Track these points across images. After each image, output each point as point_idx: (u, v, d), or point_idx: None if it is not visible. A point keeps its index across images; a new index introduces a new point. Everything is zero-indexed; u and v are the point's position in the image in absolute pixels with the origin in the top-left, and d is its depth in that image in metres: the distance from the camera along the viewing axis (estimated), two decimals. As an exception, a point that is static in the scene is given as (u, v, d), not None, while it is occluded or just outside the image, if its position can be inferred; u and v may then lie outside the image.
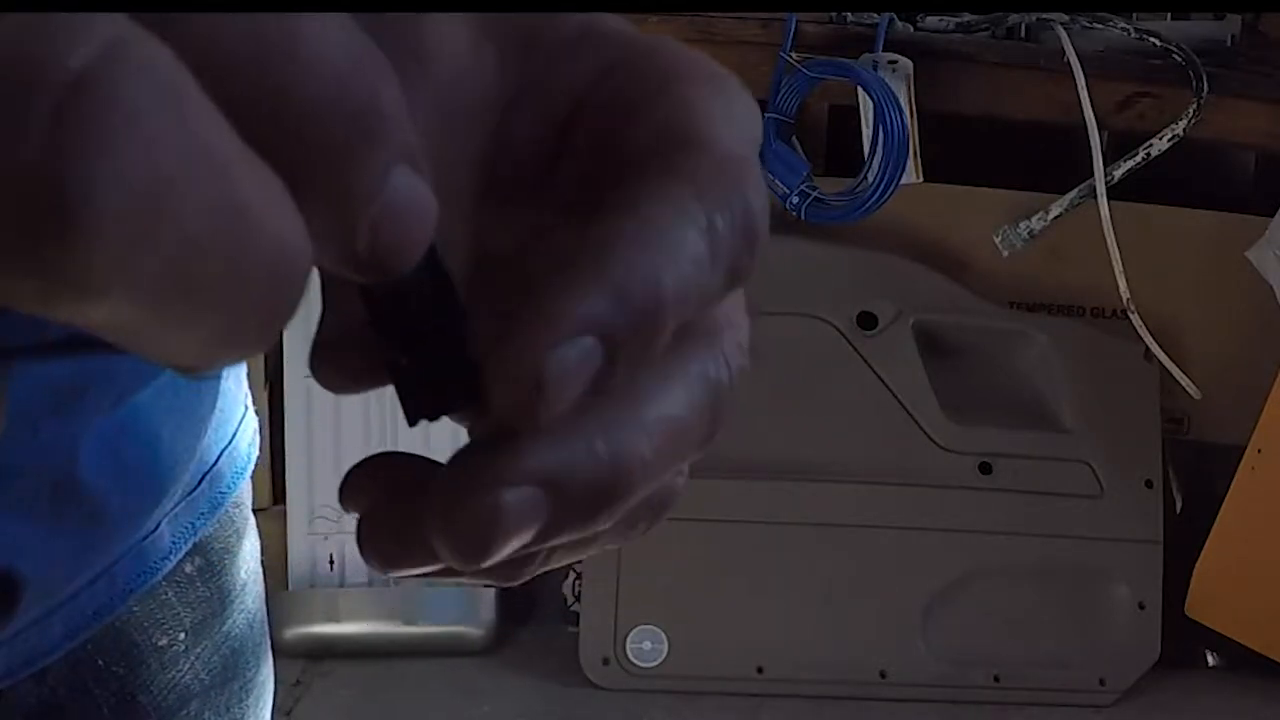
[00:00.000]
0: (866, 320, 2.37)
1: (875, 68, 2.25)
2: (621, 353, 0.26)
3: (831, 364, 2.34)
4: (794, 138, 2.34)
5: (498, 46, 0.31)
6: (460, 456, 0.27)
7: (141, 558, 0.54)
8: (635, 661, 2.33)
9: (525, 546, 0.26)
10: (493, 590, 2.43)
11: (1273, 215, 2.26)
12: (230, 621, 0.62)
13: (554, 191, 0.31)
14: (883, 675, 2.33)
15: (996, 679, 2.33)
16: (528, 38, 0.31)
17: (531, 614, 2.51)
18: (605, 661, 2.33)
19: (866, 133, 2.26)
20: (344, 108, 0.23)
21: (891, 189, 2.21)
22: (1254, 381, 2.28)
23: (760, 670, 2.33)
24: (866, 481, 2.34)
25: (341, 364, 0.30)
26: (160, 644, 0.57)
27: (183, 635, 0.58)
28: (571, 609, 2.45)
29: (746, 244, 0.29)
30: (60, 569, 0.50)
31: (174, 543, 0.56)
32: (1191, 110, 2.24)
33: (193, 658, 0.59)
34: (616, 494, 0.27)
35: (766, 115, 2.32)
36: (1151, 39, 2.27)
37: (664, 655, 2.33)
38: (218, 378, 0.57)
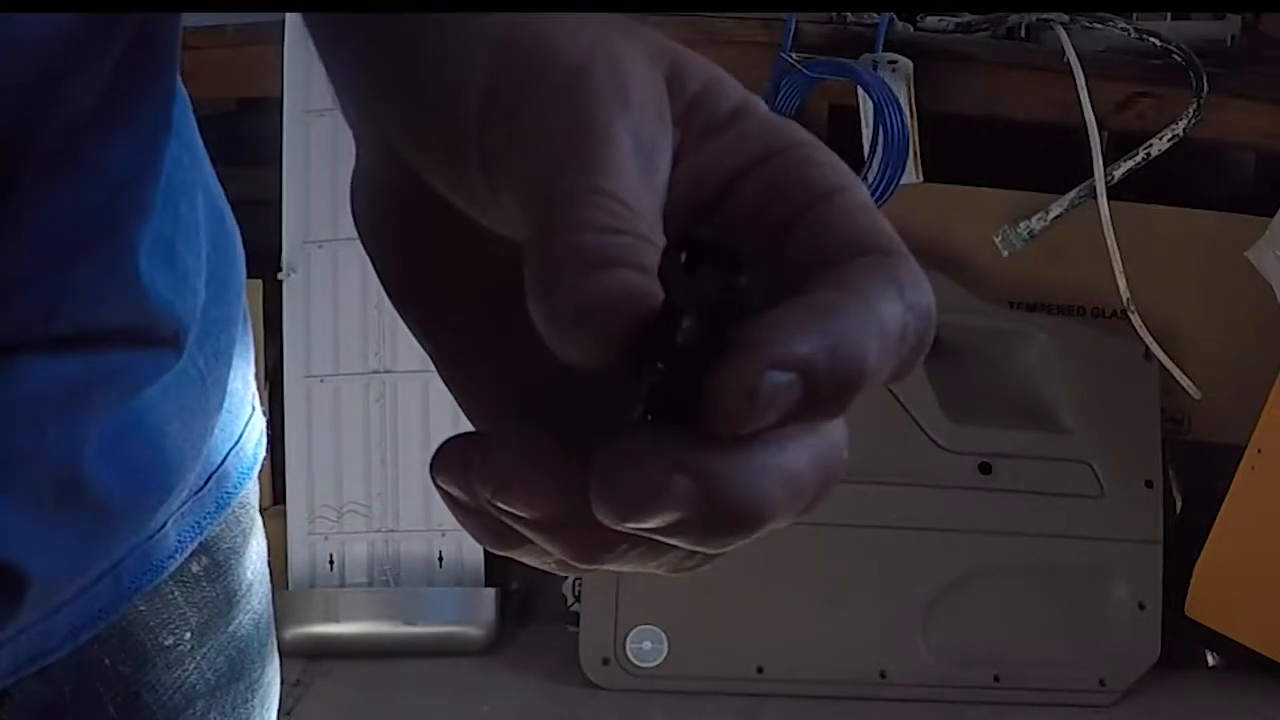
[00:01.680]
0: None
1: (875, 68, 2.25)
2: (818, 397, 0.31)
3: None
4: (794, 138, 2.34)
5: (670, 103, 0.35)
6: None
7: (147, 556, 0.55)
8: (635, 661, 2.33)
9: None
10: (493, 590, 2.43)
11: (1273, 215, 2.26)
12: (236, 622, 0.62)
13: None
14: (883, 675, 2.33)
15: (996, 679, 2.33)
16: (691, 103, 0.36)
17: (531, 614, 2.51)
18: (605, 661, 2.33)
19: (866, 133, 2.27)
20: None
21: (891, 189, 2.21)
22: (1254, 381, 2.28)
23: (760, 670, 2.33)
24: (866, 481, 2.34)
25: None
26: (166, 643, 0.58)
27: (188, 635, 0.59)
28: (571, 609, 2.45)
29: (926, 339, 0.34)
30: (65, 566, 0.50)
31: (180, 542, 0.56)
32: (1191, 110, 2.24)
33: (198, 657, 0.59)
34: (853, 386, 0.31)
35: (766, 115, 2.32)
36: (1151, 39, 2.27)
37: (664, 655, 2.33)
38: (225, 377, 0.57)
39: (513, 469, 0.32)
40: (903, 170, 2.20)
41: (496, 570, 2.46)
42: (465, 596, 2.42)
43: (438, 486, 0.34)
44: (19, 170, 0.43)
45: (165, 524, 0.55)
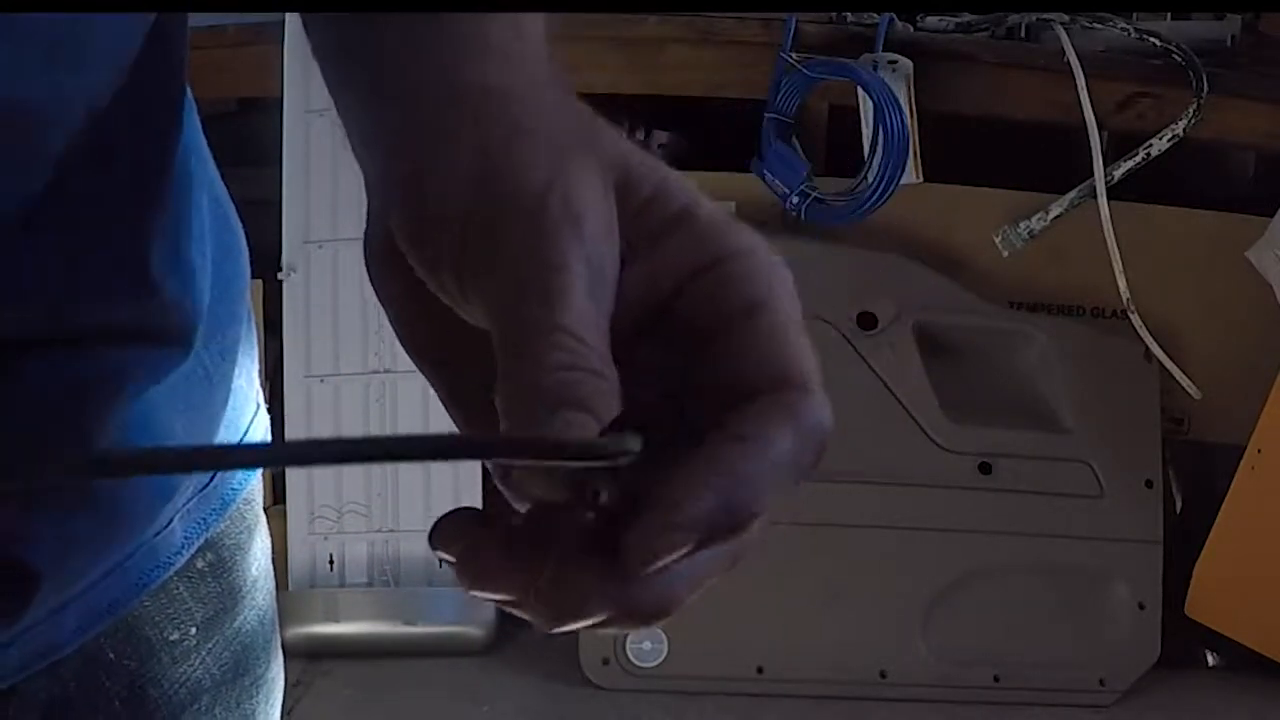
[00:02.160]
0: (866, 320, 2.37)
1: (875, 68, 2.25)
2: (715, 539, 0.38)
3: (831, 364, 2.33)
4: (794, 138, 2.34)
5: (618, 208, 0.41)
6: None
7: (154, 553, 0.55)
8: (635, 661, 2.33)
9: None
10: (493, 590, 2.42)
11: (1273, 215, 2.26)
12: (241, 618, 0.62)
13: (646, 349, 0.41)
14: (883, 675, 2.33)
15: (996, 679, 2.33)
16: (640, 209, 0.41)
17: (531, 614, 2.51)
18: (605, 661, 2.33)
19: (866, 133, 2.26)
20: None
21: (891, 189, 2.21)
22: (1254, 381, 2.28)
23: (760, 670, 2.33)
24: (866, 481, 2.34)
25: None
26: (172, 638, 0.58)
27: (194, 630, 0.59)
28: (571, 609, 2.45)
29: (819, 458, 0.40)
30: (73, 562, 0.51)
31: (185, 538, 0.57)
32: (1191, 110, 2.24)
33: (204, 653, 0.60)
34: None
35: (767, 115, 2.32)
36: (1151, 39, 2.27)
37: (664, 655, 2.33)
38: (230, 374, 0.58)
39: (482, 571, 0.39)
40: (903, 170, 2.20)
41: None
42: (465, 596, 2.41)
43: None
44: (39, 168, 0.44)
45: (171, 521, 0.56)
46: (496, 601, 0.40)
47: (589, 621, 0.39)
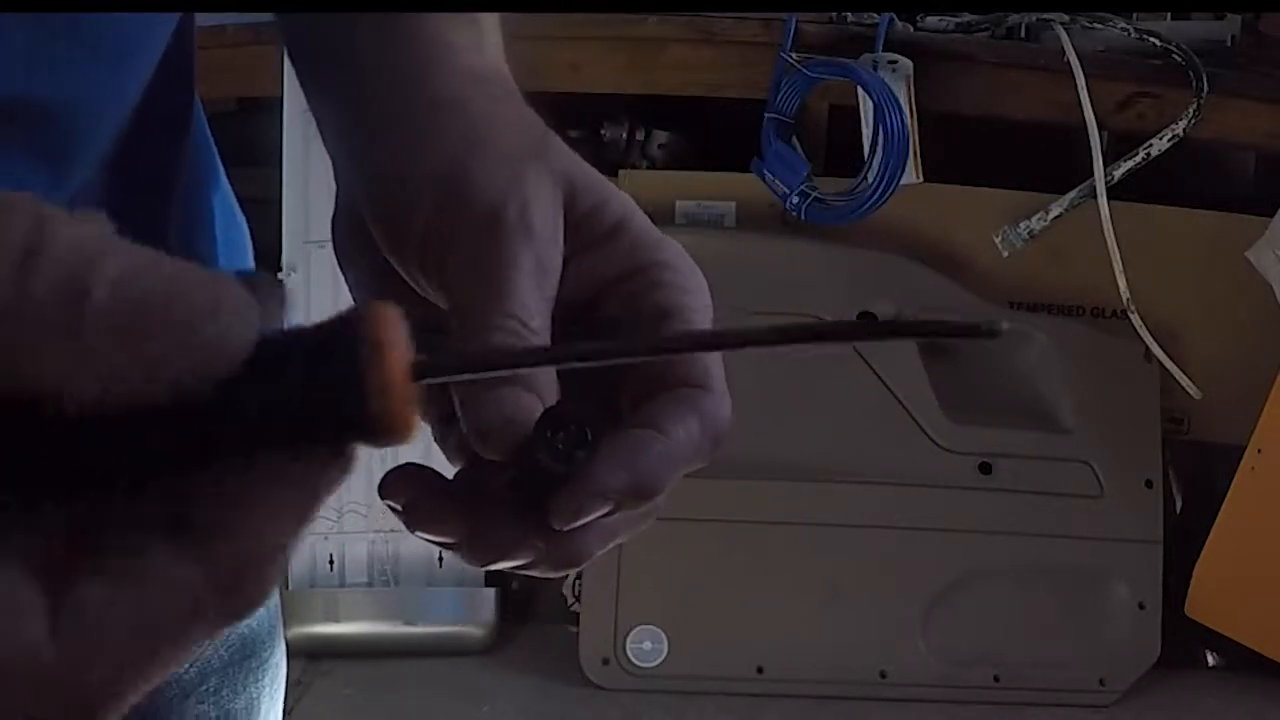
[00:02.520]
0: (866, 320, 2.36)
1: (875, 68, 2.25)
2: (627, 506, 0.43)
3: (831, 364, 2.34)
4: (794, 138, 2.34)
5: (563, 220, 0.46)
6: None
7: None
8: (635, 661, 2.33)
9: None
10: (493, 590, 2.43)
11: (1273, 215, 2.26)
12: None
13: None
14: (883, 675, 2.33)
15: (996, 679, 2.33)
16: (580, 220, 0.46)
17: (531, 614, 2.51)
18: (605, 661, 2.33)
19: (866, 133, 2.26)
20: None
21: (891, 189, 2.21)
22: (1254, 381, 2.28)
23: (760, 670, 2.33)
24: (866, 481, 2.34)
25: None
26: None
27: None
28: (571, 609, 2.45)
29: (717, 446, 0.45)
30: None
31: None
32: (1191, 110, 2.24)
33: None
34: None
35: (767, 115, 2.32)
36: (1151, 39, 2.27)
37: (664, 655, 2.33)
38: None
39: (428, 516, 0.44)
40: (903, 170, 2.20)
41: (497, 570, 2.46)
42: (465, 596, 2.42)
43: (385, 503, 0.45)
44: (80, 167, 0.48)
45: None
46: (437, 543, 0.45)
47: (515, 563, 0.45)
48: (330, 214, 0.52)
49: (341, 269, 0.52)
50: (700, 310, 0.46)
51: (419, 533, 0.44)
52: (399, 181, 0.46)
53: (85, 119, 0.46)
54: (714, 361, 0.45)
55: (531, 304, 0.44)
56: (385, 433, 0.31)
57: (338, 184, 0.50)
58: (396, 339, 0.30)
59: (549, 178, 0.46)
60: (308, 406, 0.29)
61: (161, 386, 0.27)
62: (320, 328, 0.30)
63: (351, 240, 0.50)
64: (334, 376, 0.29)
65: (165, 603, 0.28)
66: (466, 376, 0.40)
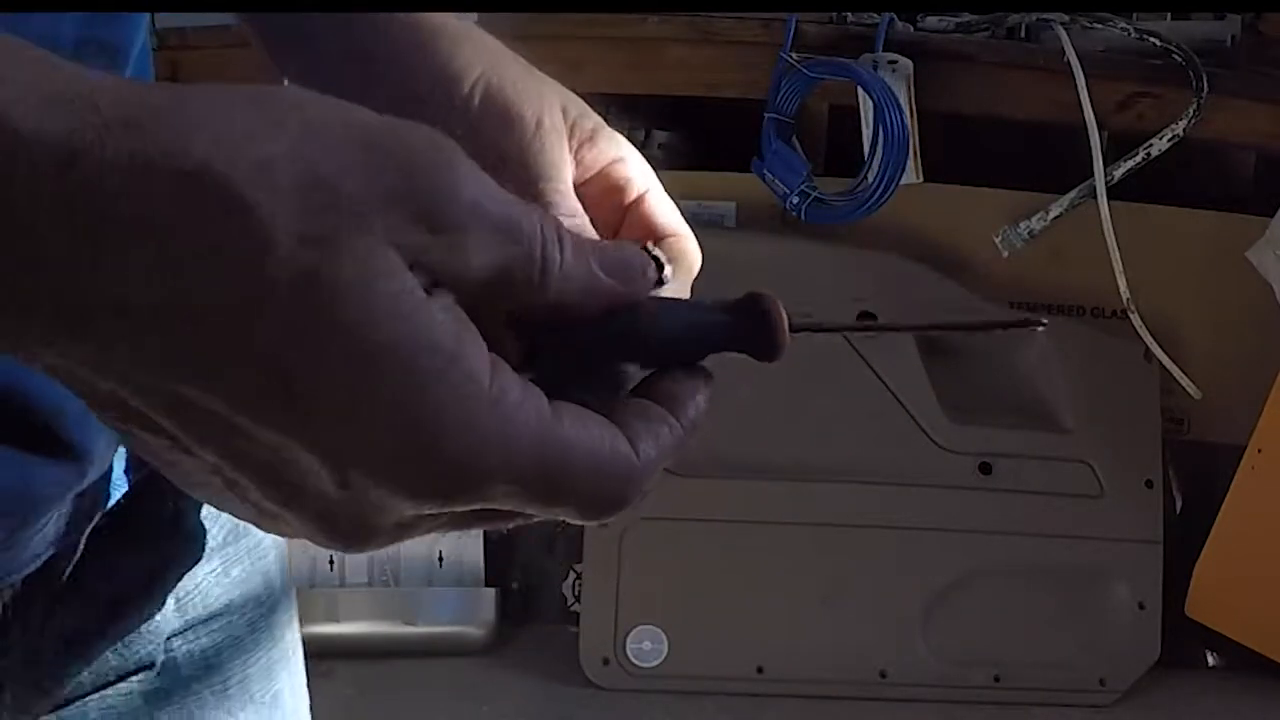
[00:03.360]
0: (866, 320, 2.36)
1: (875, 68, 2.25)
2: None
3: (831, 364, 2.34)
4: (794, 138, 2.34)
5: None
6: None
7: None
8: (635, 661, 2.33)
9: None
10: (493, 590, 2.43)
11: (1273, 215, 2.26)
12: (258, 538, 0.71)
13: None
14: (883, 675, 2.33)
15: (996, 679, 2.33)
16: (571, 128, 0.57)
17: (531, 614, 2.51)
18: (605, 661, 2.33)
19: (866, 133, 2.26)
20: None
21: (891, 189, 2.21)
22: (1254, 381, 2.28)
23: (760, 670, 2.33)
24: (866, 481, 2.34)
25: None
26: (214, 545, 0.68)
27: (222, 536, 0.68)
28: (571, 609, 2.45)
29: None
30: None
31: None
32: (1191, 110, 2.24)
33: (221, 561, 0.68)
34: None
35: (766, 115, 2.32)
36: (1151, 39, 2.27)
37: (664, 655, 2.33)
38: None
39: None
40: (903, 170, 2.20)
41: (496, 570, 2.46)
42: (465, 596, 2.42)
43: None
44: None
45: None
46: None
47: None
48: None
49: None
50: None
51: None
52: (438, 97, 0.55)
53: (126, 55, 0.53)
54: (674, 210, 0.58)
55: (565, 209, 0.54)
56: (777, 358, 0.46)
57: None
58: (782, 312, 0.46)
59: (556, 95, 0.55)
60: (737, 339, 0.46)
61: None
62: (738, 301, 0.47)
63: None
64: (760, 325, 0.46)
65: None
66: (821, 328, 0.51)
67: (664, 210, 0.57)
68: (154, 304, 0.34)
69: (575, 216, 0.53)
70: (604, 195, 0.57)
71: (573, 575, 2.47)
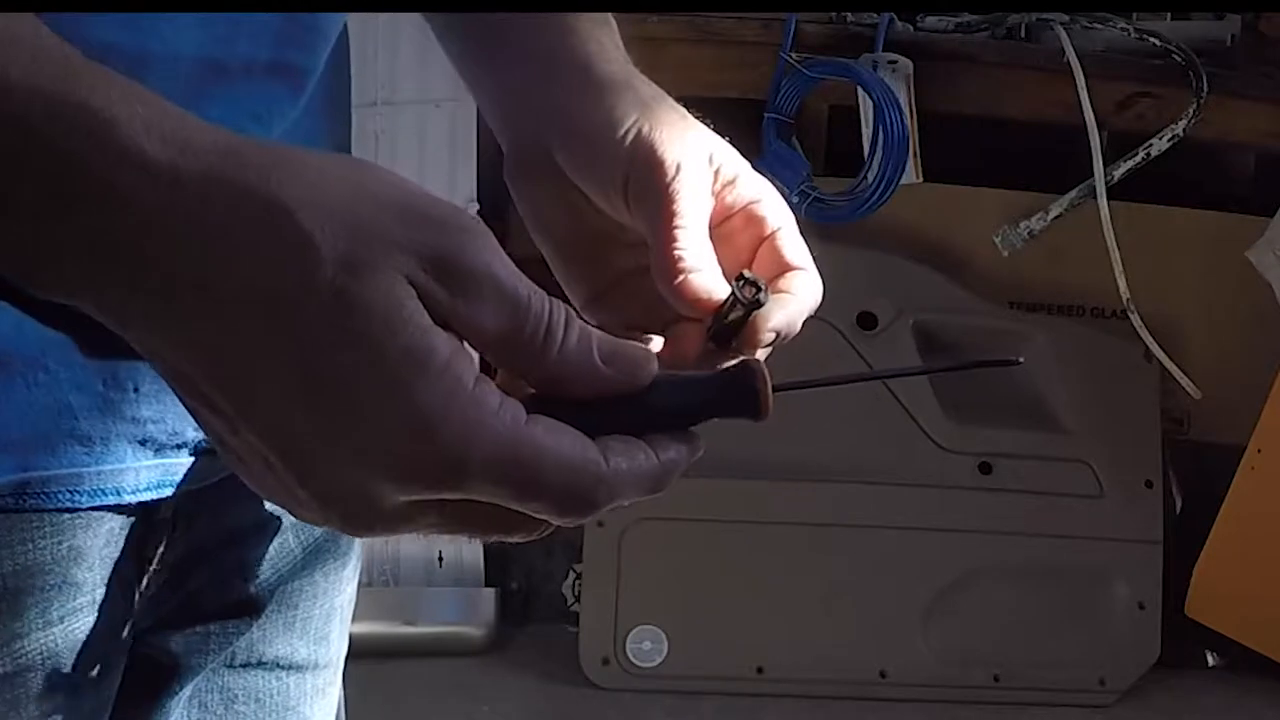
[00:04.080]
0: (866, 320, 2.37)
1: (875, 68, 2.25)
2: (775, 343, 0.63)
3: (831, 364, 2.34)
4: (794, 138, 2.34)
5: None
6: None
7: None
8: (635, 661, 2.33)
9: None
10: (493, 590, 2.43)
11: (1273, 215, 2.26)
12: None
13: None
14: (883, 675, 2.33)
15: (996, 679, 2.33)
16: (715, 173, 0.65)
17: (531, 614, 2.51)
18: (605, 661, 2.33)
19: (866, 133, 2.26)
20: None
21: (891, 189, 2.21)
22: (1254, 381, 2.28)
23: (760, 670, 2.33)
24: (866, 481, 2.34)
25: None
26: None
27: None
28: (571, 609, 2.45)
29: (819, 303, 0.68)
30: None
31: None
32: (1191, 110, 2.24)
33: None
34: None
35: (766, 115, 2.32)
36: (1151, 39, 2.27)
37: (664, 655, 2.33)
38: None
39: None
40: (903, 170, 2.20)
41: (496, 570, 2.46)
42: (465, 596, 2.42)
43: None
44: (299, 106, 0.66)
45: None
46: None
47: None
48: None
49: (519, 198, 0.66)
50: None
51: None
52: (598, 133, 0.63)
53: (312, 76, 0.63)
54: (802, 247, 0.65)
55: (692, 242, 0.61)
56: (763, 419, 0.53)
57: (509, 126, 0.67)
58: (767, 377, 0.53)
59: (702, 143, 0.64)
60: (726, 406, 0.53)
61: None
62: (727, 370, 0.54)
63: (531, 173, 0.65)
64: (745, 393, 0.53)
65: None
66: (805, 386, 0.60)
67: (792, 246, 0.65)
68: (227, 288, 0.45)
69: (692, 248, 0.61)
70: (743, 230, 0.64)
71: (573, 575, 2.47)
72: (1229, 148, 2.54)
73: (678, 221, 0.61)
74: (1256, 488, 2.25)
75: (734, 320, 0.59)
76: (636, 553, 2.32)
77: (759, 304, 0.58)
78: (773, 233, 0.65)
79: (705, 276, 0.60)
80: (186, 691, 0.72)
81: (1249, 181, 2.61)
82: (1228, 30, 2.39)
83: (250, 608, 0.72)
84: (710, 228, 0.63)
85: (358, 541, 0.82)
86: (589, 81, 0.65)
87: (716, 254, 0.63)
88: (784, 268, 0.65)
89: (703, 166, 0.64)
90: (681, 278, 0.60)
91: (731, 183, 0.65)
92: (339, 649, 0.84)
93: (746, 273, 0.58)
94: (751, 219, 0.65)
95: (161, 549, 0.65)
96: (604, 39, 0.67)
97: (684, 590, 2.34)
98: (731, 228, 0.65)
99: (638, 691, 2.31)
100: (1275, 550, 2.22)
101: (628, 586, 2.33)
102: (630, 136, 0.63)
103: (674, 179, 0.62)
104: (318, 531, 0.75)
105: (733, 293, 0.59)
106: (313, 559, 0.76)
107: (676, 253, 0.60)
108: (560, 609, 2.48)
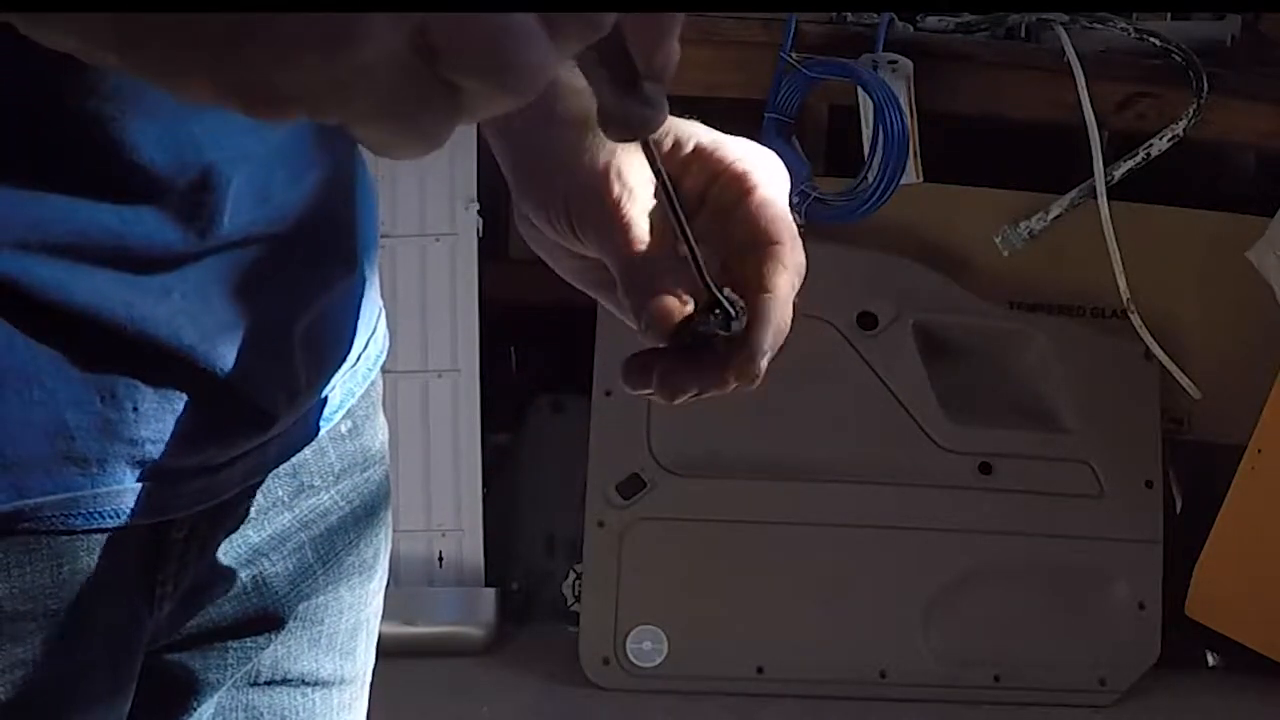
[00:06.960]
0: (866, 320, 2.37)
1: (875, 68, 2.25)
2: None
3: (831, 364, 2.34)
4: (794, 138, 2.34)
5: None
6: None
7: (324, 405, 0.71)
8: (635, 661, 2.33)
9: None
10: (493, 590, 2.43)
11: (1273, 215, 2.26)
12: (368, 474, 0.77)
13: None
14: (883, 675, 2.33)
15: (996, 679, 2.33)
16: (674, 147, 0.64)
17: (531, 614, 2.51)
18: (605, 661, 2.33)
19: (866, 133, 2.27)
20: None
21: (891, 189, 2.21)
22: (1254, 381, 2.28)
23: (760, 670, 2.33)
24: (867, 481, 2.34)
25: None
26: (314, 484, 0.73)
27: (331, 479, 0.74)
28: (571, 609, 2.45)
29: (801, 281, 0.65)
30: (290, 411, 0.67)
31: (341, 401, 0.72)
32: (1191, 110, 2.24)
33: (334, 493, 0.75)
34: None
35: (766, 115, 2.32)
36: (1151, 39, 2.27)
37: (664, 655, 2.33)
38: (374, 281, 0.75)
39: (674, 384, 0.64)
40: (903, 170, 2.20)
41: (496, 570, 2.46)
42: (465, 596, 2.42)
43: None
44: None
45: (334, 385, 0.71)
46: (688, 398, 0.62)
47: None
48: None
49: (534, 248, 0.67)
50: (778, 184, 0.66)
51: (676, 399, 0.62)
52: (542, 186, 0.64)
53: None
54: (787, 219, 0.64)
55: (641, 233, 0.61)
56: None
57: (512, 190, 0.67)
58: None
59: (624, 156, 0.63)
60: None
61: None
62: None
63: (528, 230, 0.66)
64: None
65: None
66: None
67: (770, 213, 0.64)
68: None
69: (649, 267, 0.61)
70: (728, 190, 0.64)
71: (573, 575, 2.47)
72: (1229, 148, 2.54)
73: (633, 245, 0.61)
74: (1256, 488, 2.25)
75: (703, 332, 0.60)
76: (636, 553, 2.32)
77: (728, 328, 0.60)
78: (752, 190, 0.64)
79: (670, 301, 0.60)
80: (209, 710, 0.71)
81: (1249, 181, 2.61)
82: (1228, 30, 2.39)
83: (271, 624, 0.72)
84: (694, 194, 0.63)
85: (384, 554, 0.82)
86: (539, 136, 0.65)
87: (702, 220, 0.63)
88: (763, 239, 0.64)
89: (636, 170, 0.63)
90: (653, 304, 0.59)
91: (709, 147, 0.64)
92: (365, 663, 0.82)
93: (724, 295, 0.59)
94: (735, 178, 0.64)
95: (174, 569, 0.65)
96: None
97: (684, 590, 2.34)
98: (720, 187, 0.64)
99: (638, 691, 2.31)
100: (1275, 550, 2.22)
101: (628, 586, 2.33)
102: (563, 179, 0.63)
103: (621, 198, 0.62)
104: (338, 545, 0.75)
105: (705, 307, 0.59)
106: (336, 573, 0.76)
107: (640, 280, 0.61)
108: (560, 609, 2.48)
